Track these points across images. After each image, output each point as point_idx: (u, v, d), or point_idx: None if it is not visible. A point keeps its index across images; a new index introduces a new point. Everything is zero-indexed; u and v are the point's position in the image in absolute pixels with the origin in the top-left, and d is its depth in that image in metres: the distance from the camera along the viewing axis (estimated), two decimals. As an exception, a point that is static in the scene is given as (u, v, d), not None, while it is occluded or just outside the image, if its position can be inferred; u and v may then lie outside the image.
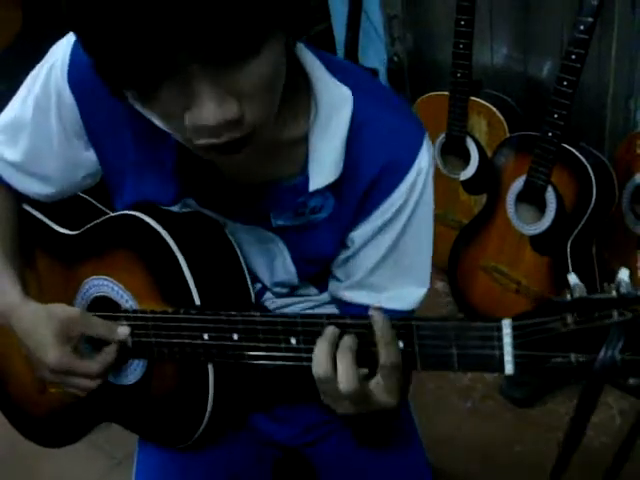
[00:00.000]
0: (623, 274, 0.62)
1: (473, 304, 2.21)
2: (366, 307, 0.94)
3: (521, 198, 1.93)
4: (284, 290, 1.04)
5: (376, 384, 0.78)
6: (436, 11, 2.37)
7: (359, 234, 0.92)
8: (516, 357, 0.69)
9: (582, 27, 1.61)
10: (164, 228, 0.90)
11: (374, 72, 2.55)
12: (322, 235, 0.93)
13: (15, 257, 1.03)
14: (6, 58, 2.24)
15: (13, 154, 0.97)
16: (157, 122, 0.70)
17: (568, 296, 0.64)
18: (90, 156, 0.95)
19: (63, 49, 0.88)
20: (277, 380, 1.02)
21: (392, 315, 0.95)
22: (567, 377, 0.67)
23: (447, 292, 2.35)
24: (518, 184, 1.91)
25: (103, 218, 0.98)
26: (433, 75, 2.49)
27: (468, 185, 2.23)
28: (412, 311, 0.98)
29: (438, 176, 2.27)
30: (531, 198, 1.90)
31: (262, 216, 0.92)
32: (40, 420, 1.18)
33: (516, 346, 0.69)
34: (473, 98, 2.07)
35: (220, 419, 0.98)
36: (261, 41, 0.63)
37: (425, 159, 0.87)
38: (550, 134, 1.75)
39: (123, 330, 0.93)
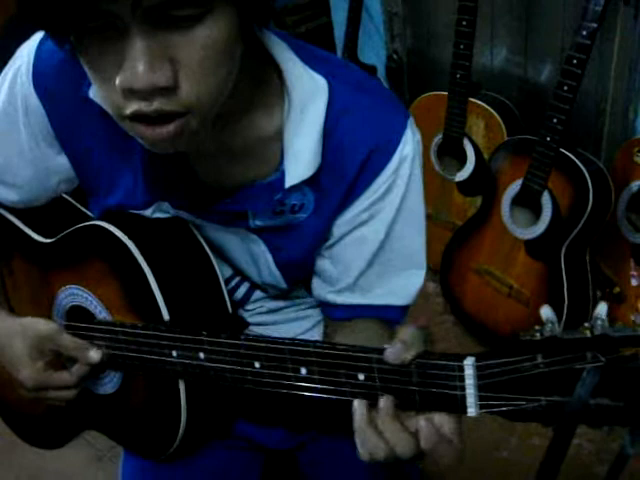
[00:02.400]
0: (601, 309, 0.57)
1: (465, 306, 2.20)
2: (356, 307, 0.94)
3: (517, 202, 1.92)
4: (278, 292, 1.02)
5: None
6: (437, 10, 2.36)
7: (337, 224, 0.88)
8: (480, 399, 0.64)
9: (585, 32, 1.60)
10: (133, 240, 0.88)
11: (372, 69, 2.54)
12: (304, 235, 0.90)
13: None
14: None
15: None
16: (95, 84, 0.67)
17: (538, 334, 0.60)
18: (62, 162, 0.92)
19: (27, 52, 0.85)
20: (253, 397, 0.99)
21: (388, 313, 0.94)
22: (536, 420, 0.62)
23: (439, 293, 2.34)
24: (514, 188, 1.90)
25: (75, 227, 0.95)
26: (432, 74, 2.48)
27: (463, 187, 2.22)
28: (407, 306, 0.95)
29: (433, 176, 2.26)
30: (527, 202, 1.89)
31: (240, 216, 0.89)
32: (29, 419, 1.18)
33: (480, 387, 0.64)
34: (472, 99, 2.06)
35: (198, 430, 0.97)
36: (205, 7, 0.61)
37: (409, 146, 0.83)
38: (548, 139, 1.74)
39: (95, 354, 0.92)
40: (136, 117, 0.65)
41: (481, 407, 0.65)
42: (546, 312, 0.61)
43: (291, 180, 0.82)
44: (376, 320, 0.95)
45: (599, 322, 0.57)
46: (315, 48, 0.85)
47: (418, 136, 0.85)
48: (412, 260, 0.93)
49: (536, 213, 1.87)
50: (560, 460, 0.61)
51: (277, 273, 0.95)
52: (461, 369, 0.64)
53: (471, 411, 0.65)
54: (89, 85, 0.77)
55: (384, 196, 0.85)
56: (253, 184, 0.86)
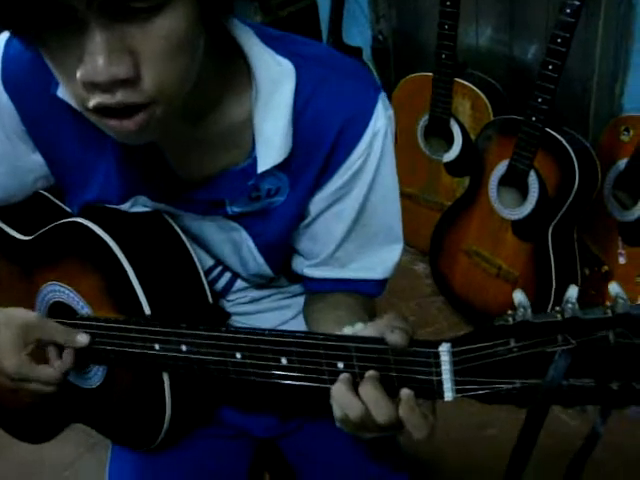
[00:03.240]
0: (571, 293, 0.58)
1: (454, 287, 2.21)
2: (333, 280, 0.95)
3: (504, 182, 1.92)
4: (262, 280, 1.02)
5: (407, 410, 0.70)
6: (422, -10, 2.34)
7: (314, 202, 0.89)
8: (456, 383, 0.65)
9: (569, 10, 1.59)
10: (110, 235, 0.88)
11: (358, 51, 2.53)
12: (283, 218, 0.90)
13: None
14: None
15: None
16: (59, 80, 0.67)
17: (510, 319, 0.60)
18: (37, 159, 0.92)
19: None
20: (238, 387, 0.99)
21: (365, 287, 0.96)
22: (511, 402, 0.62)
23: (428, 274, 2.34)
24: (501, 168, 1.90)
25: (54, 224, 0.95)
26: (418, 55, 2.47)
27: (451, 167, 2.22)
28: (385, 280, 0.96)
29: (421, 157, 2.26)
30: (514, 182, 1.89)
31: (218, 204, 0.89)
32: (14, 414, 1.17)
33: (456, 372, 0.65)
34: (457, 80, 2.06)
35: (183, 418, 0.97)
36: None
37: (381, 120, 0.83)
38: (534, 118, 1.74)
39: (82, 338, 0.91)
40: (101, 110, 0.65)
41: (457, 391, 0.66)
42: (518, 297, 0.61)
43: (263, 165, 0.82)
44: (354, 294, 0.96)
45: (569, 305, 0.57)
46: (281, 32, 0.85)
47: (390, 111, 0.85)
48: (388, 234, 0.94)
49: (523, 193, 1.88)
50: (533, 441, 0.62)
51: (261, 260, 0.95)
52: (437, 355, 0.65)
53: (448, 395, 0.66)
54: (57, 83, 0.77)
55: (358, 172, 0.85)
56: (227, 171, 0.87)
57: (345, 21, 2.53)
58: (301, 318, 1.09)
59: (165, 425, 0.94)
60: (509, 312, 0.61)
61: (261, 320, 1.09)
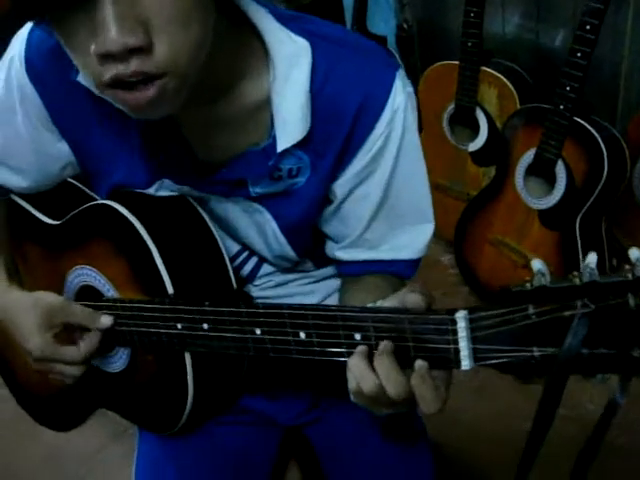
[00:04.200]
0: (590, 258, 0.56)
1: (480, 278, 2.20)
2: (364, 262, 0.95)
3: (531, 171, 1.90)
4: (287, 264, 1.03)
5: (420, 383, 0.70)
6: (447, -23, 2.32)
7: (339, 184, 0.89)
8: (474, 351, 0.64)
9: (598, -4, 1.57)
10: (137, 216, 0.89)
11: (382, 39, 2.51)
12: (305, 199, 0.90)
13: (1, 246, 1.03)
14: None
15: None
16: (75, 60, 0.68)
17: (528, 285, 0.59)
18: (63, 147, 0.94)
19: (20, 42, 0.87)
20: (259, 366, 1.00)
21: (397, 268, 0.96)
22: (529, 372, 0.61)
23: (453, 265, 2.33)
24: (528, 157, 1.88)
25: (81, 208, 0.97)
26: (443, 43, 2.45)
27: (477, 156, 2.20)
28: (418, 260, 0.96)
29: (446, 146, 2.24)
30: (541, 171, 1.87)
31: (240, 185, 0.90)
32: (41, 401, 1.19)
33: (473, 340, 0.64)
34: (484, 68, 2.03)
35: (206, 401, 0.98)
36: None
37: (400, 96, 0.83)
38: (562, 107, 1.71)
39: (105, 319, 0.93)
40: (115, 83, 0.66)
41: (475, 360, 0.65)
42: (536, 264, 0.60)
43: (282, 144, 0.82)
44: (386, 276, 0.96)
45: (588, 270, 0.56)
46: (295, 12, 0.85)
47: (410, 88, 0.85)
48: (417, 213, 0.94)
49: (550, 182, 1.85)
50: (552, 414, 0.61)
51: (283, 240, 0.96)
52: (453, 322, 0.65)
53: (465, 364, 0.65)
54: (78, 70, 0.78)
55: (381, 150, 0.85)
56: (247, 152, 0.87)
57: (369, 9, 2.51)
58: (327, 302, 1.10)
59: (187, 408, 0.94)
60: (527, 279, 0.59)
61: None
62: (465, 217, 2.19)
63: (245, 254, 1.03)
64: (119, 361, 1.01)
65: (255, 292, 1.07)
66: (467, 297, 2.27)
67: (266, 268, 1.05)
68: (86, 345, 0.94)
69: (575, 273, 0.57)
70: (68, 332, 0.96)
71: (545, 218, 1.92)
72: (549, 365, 0.60)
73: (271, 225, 0.94)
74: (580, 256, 1.84)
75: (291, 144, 0.82)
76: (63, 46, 0.67)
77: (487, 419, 1.87)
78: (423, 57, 2.56)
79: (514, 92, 2.01)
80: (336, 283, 1.11)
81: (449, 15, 2.37)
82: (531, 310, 0.59)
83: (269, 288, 1.08)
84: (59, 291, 1.03)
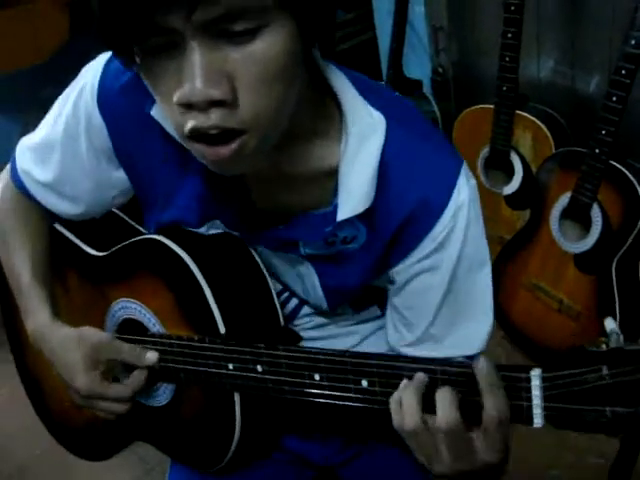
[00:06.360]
0: None
1: (514, 322, 2.17)
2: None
3: (566, 215, 1.90)
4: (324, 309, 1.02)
5: (480, 437, 0.69)
6: (482, 23, 2.34)
7: (398, 271, 0.87)
8: (545, 409, 0.65)
9: (634, 42, 1.57)
10: (188, 253, 0.89)
11: (418, 84, 2.54)
12: (352, 266, 0.89)
13: (46, 277, 1.02)
14: (56, 62, 2.28)
15: (44, 174, 0.97)
16: (159, 104, 0.69)
17: (603, 345, 0.60)
18: (120, 176, 0.94)
19: (93, 72, 0.88)
20: (308, 410, 0.99)
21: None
22: (599, 431, 0.62)
23: (487, 308, 2.30)
24: (563, 201, 1.88)
25: (130, 241, 0.97)
26: (478, 87, 2.46)
27: (511, 200, 2.19)
28: (479, 353, 0.91)
29: (480, 190, 2.23)
30: (576, 215, 1.86)
31: (291, 244, 0.89)
32: (76, 433, 1.19)
33: (546, 398, 0.65)
34: (519, 112, 2.04)
35: (251, 444, 0.97)
36: (261, 20, 0.62)
37: (464, 192, 0.82)
38: (597, 151, 1.71)
39: (151, 356, 0.93)
40: (196, 136, 0.66)
41: (546, 418, 0.65)
42: (609, 324, 0.61)
43: (343, 214, 0.81)
44: None
45: None
46: (369, 80, 0.85)
47: (473, 181, 0.84)
48: (479, 305, 0.90)
49: (586, 226, 1.84)
50: (630, 469, 0.61)
51: (321, 295, 0.95)
52: (528, 380, 0.65)
53: (537, 421, 0.66)
54: (152, 103, 0.79)
55: (444, 244, 0.83)
56: (306, 214, 0.87)
57: (405, 54, 2.54)
58: (366, 345, 1.09)
59: (233, 447, 0.93)
60: (602, 339, 0.60)
61: (326, 346, 1.07)
62: (499, 260, 2.17)
63: (286, 294, 1.03)
64: (162, 395, 1.00)
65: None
66: (501, 341, 2.25)
67: (307, 309, 1.04)
68: (132, 382, 0.93)
69: None
70: (111, 368, 0.95)
71: (580, 262, 1.90)
72: (620, 424, 0.60)
73: (312, 279, 0.93)
74: (616, 300, 1.81)
75: (352, 215, 0.81)
76: (149, 88, 0.68)
77: (513, 462, 1.83)
78: (458, 101, 2.57)
79: (549, 136, 2.01)
80: (375, 324, 1.10)
81: (484, 59, 2.39)
82: (605, 371, 0.60)
83: (309, 329, 1.07)
84: (100, 323, 1.03)
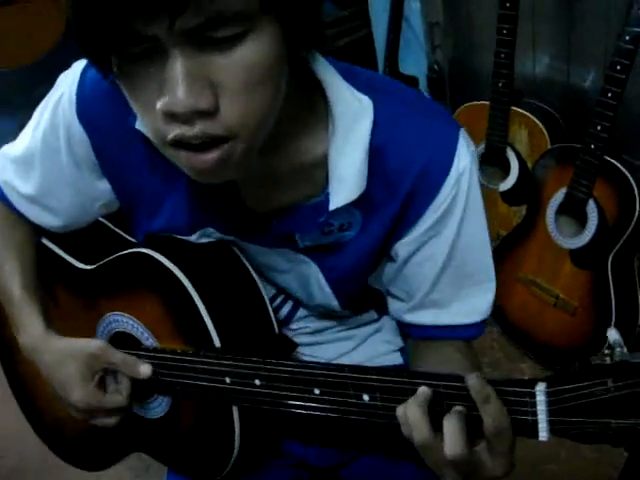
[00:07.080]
0: None
1: (510, 317, 2.18)
2: (433, 327, 0.91)
3: (562, 211, 1.90)
4: (325, 311, 1.00)
5: (484, 449, 0.69)
6: (478, 19, 2.35)
7: (404, 243, 0.85)
8: (551, 424, 0.65)
9: (628, 37, 1.58)
10: (178, 266, 0.87)
11: (414, 80, 2.54)
12: (354, 253, 0.88)
13: (37, 288, 1.01)
14: (51, 61, 2.28)
15: (26, 187, 0.95)
16: (138, 112, 0.67)
17: (607, 358, 0.60)
18: (104, 187, 0.92)
19: (70, 80, 0.85)
20: (307, 422, 0.98)
21: (462, 332, 0.91)
22: (605, 442, 0.62)
23: (483, 304, 2.31)
24: (559, 196, 1.88)
25: (119, 254, 0.95)
26: (474, 84, 2.47)
27: (507, 196, 2.20)
28: (484, 321, 0.91)
29: (477, 186, 2.24)
30: (572, 211, 1.87)
31: (288, 238, 0.87)
32: (72, 442, 1.17)
33: (551, 413, 0.64)
34: (514, 108, 2.04)
35: (250, 454, 0.96)
36: (245, 26, 0.60)
37: (465, 158, 0.80)
38: (592, 146, 1.72)
39: (145, 370, 0.91)
40: (179, 143, 0.64)
41: (552, 431, 0.65)
42: (613, 335, 0.61)
43: (335, 203, 0.80)
44: (460, 344, 0.92)
45: None
46: (356, 67, 0.83)
47: (472, 146, 0.82)
48: (482, 272, 0.90)
49: (582, 222, 1.85)
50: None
51: (329, 291, 0.93)
52: (532, 395, 0.65)
53: (543, 435, 0.66)
54: (136, 116, 0.76)
55: (447, 212, 0.82)
56: (299, 206, 0.85)
57: (401, 51, 2.54)
58: (362, 349, 1.08)
59: (233, 458, 0.92)
60: (606, 351, 0.60)
61: (322, 351, 1.08)
62: (495, 256, 2.16)
63: (280, 298, 1.01)
64: (158, 407, 0.99)
65: (291, 338, 1.05)
66: (496, 337, 2.25)
67: (302, 312, 1.03)
68: (125, 388, 0.92)
69: None
70: (105, 379, 0.95)
71: (576, 257, 1.90)
72: (625, 436, 0.61)
73: (317, 276, 0.91)
74: (612, 295, 1.82)
75: (344, 203, 0.79)
76: (127, 97, 0.66)
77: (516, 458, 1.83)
78: (454, 98, 2.58)
79: (545, 132, 2.02)
80: (371, 328, 1.09)
81: (480, 56, 2.39)
82: (610, 384, 0.60)
83: (305, 334, 1.06)
84: (91, 336, 1.01)
